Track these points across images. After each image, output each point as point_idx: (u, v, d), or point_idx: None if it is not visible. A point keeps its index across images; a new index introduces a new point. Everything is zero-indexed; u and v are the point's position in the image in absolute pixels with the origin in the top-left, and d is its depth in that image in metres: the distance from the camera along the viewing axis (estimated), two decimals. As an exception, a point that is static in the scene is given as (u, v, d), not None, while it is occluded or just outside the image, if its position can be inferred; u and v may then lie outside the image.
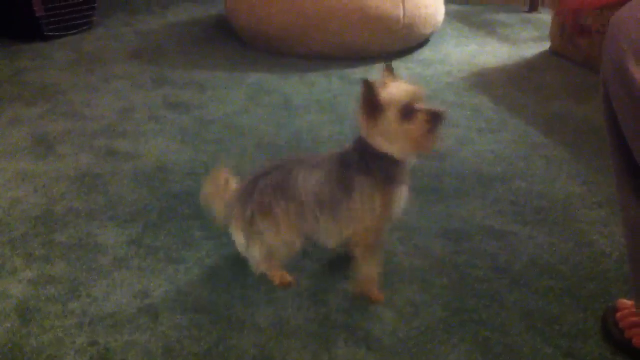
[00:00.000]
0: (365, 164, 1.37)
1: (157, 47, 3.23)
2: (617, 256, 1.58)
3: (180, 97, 2.59)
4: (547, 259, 1.59)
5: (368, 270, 1.45)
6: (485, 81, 2.74)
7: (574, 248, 1.62)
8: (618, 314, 1.32)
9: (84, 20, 3.45)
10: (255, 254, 1.47)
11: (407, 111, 1.30)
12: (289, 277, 1.52)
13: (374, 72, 2.82)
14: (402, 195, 1.41)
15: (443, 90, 2.64)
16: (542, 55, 3.02)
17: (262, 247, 1.46)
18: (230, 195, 1.49)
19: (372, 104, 1.31)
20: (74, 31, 3.39)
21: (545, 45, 3.08)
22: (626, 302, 1.34)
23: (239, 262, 1.57)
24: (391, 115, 1.30)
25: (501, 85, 2.69)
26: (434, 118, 1.31)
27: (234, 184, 1.52)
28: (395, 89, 1.33)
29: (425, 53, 3.10)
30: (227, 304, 1.44)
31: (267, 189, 1.41)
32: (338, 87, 2.68)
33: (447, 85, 2.69)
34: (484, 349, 1.31)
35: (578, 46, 2.83)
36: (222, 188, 1.51)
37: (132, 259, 1.60)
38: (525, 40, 3.26)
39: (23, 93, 2.64)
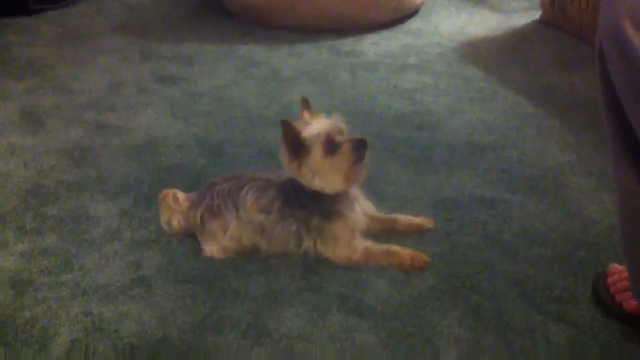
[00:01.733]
0: (301, 200, 1.43)
1: (145, 20, 3.20)
2: (607, 224, 1.59)
3: (169, 70, 2.57)
4: (538, 227, 1.60)
5: (395, 263, 1.47)
6: (476, 51, 2.73)
7: (564, 216, 1.63)
8: (609, 279, 1.34)
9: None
10: (211, 250, 1.50)
11: (331, 145, 1.35)
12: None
13: (364, 44, 2.81)
14: (357, 214, 1.47)
15: (434, 61, 2.63)
16: (533, 25, 3.01)
17: (215, 244, 1.50)
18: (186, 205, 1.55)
19: (295, 144, 1.36)
20: (59, 5, 3.34)
21: (536, 15, 3.07)
22: (617, 267, 1.35)
23: (231, 233, 1.57)
24: (316, 152, 1.35)
25: (492, 55, 2.69)
26: (358, 146, 1.37)
27: (183, 197, 1.57)
28: (316, 125, 1.38)
29: (415, 24, 3.08)
30: (220, 274, 1.45)
31: (218, 195, 1.48)
32: (328, 58, 2.67)
33: (438, 56, 2.68)
34: (476, 315, 1.33)
35: (569, 16, 2.82)
36: (172, 204, 1.56)
37: (124, 230, 1.60)
38: (516, 10, 3.24)
39: (10, 68, 2.61)
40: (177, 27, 3.08)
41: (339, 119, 1.42)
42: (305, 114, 1.43)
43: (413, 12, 3.17)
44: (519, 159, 1.89)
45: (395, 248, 1.47)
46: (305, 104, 1.45)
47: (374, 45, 2.80)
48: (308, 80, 2.46)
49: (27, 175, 1.84)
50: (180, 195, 1.57)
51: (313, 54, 2.71)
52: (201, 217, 1.50)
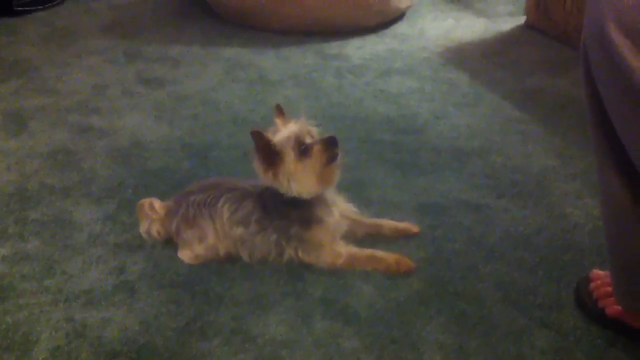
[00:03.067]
0: (279, 208, 1.43)
1: (131, 21, 3.18)
2: (591, 228, 1.60)
3: (155, 73, 2.56)
4: (522, 231, 1.60)
5: (380, 268, 1.47)
6: (462, 56, 2.74)
7: (548, 220, 1.64)
8: (592, 285, 1.34)
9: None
10: (186, 255, 1.50)
11: (302, 148, 1.35)
12: None
13: (350, 47, 2.81)
14: (335, 218, 1.47)
15: (419, 65, 2.64)
16: (518, 29, 3.03)
17: (190, 252, 1.49)
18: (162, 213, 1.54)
19: (267, 151, 1.35)
20: (45, 5, 3.31)
21: (521, 19, 3.08)
22: (599, 273, 1.36)
23: (216, 238, 1.57)
24: (288, 156, 1.35)
25: (477, 59, 2.70)
26: (329, 145, 1.37)
27: (159, 206, 1.55)
28: (285, 130, 1.38)
29: (401, 28, 3.09)
30: (204, 280, 1.44)
31: (194, 205, 1.47)
32: (313, 62, 2.66)
33: (424, 60, 2.69)
34: (460, 320, 1.33)
35: (553, 19, 2.84)
36: (149, 212, 1.54)
37: (108, 235, 1.59)
38: (501, 15, 3.25)
39: (-6, 69, 2.59)
40: (163, 28, 3.07)
41: (306, 121, 1.42)
42: (278, 121, 1.43)
43: (399, 16, 3.17)
44: (503, 163, 1.90)
45: (380, 253, 1.47)
46: (279, 111, 1.44)
47: (360, 49, 2.80)
48: (294, 84, 2.45)
49: (10, 178, 1.82)
50: (157, 203, 1.55)
51: (299, 57, 2.70)
52: (177, 226, 1.49)
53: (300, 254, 1.45)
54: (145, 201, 1.56)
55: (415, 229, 1.58)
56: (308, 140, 1.38)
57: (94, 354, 1.25)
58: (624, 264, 1.19)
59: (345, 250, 1.47)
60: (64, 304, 1.37)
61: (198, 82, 2.48)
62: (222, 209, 1.46)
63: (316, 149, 1.36)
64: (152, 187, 1.77)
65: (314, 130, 1.42)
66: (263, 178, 1.40)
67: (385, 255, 1.47)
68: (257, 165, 1.40)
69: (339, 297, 1.39)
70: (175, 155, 1.95)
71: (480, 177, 1.83)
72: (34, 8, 3.26)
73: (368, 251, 1.48)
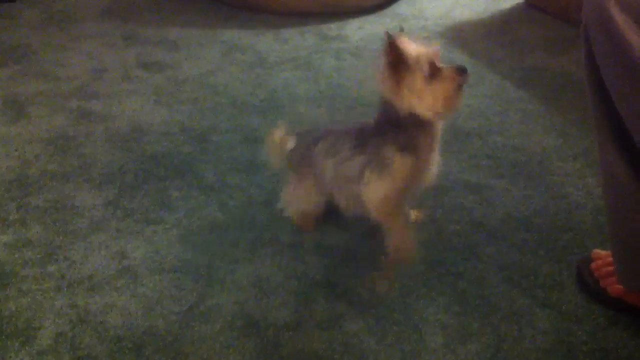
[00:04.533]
0: (383, 128, 1.35)
1: (129, 4, 3.16)
2: (592, 207, 1.60)
3: (154, 56, 2.55)
4: (523, 211, 1.60)
5: (397, 237, 1.43)
6: (461, 35, 2.72)
7: (549, 200, 1.64)
8: (593, 264, 1.35)
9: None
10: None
11: (433, 68, 1.28)
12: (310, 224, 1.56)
13: (349, 28, 2.79)
14: (428, 162, 1.38)
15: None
16: (518, 8, 3.00)
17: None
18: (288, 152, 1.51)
19: (396, 60, 1.27)
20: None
21: (522, -2, 3.06)
22: (601, 253, 1.36)
23: (217, 222, 1.57)
24: (419, 73, 1.27)
25: (477, 39, 2.68)
26: (461, 72, 1.30)
27: (289, 142, 1.51)
28: (417, 47, 1.30)
29: (400, 8, 3.06)
30: (206, 264, 1.44)
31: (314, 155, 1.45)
32: (313, 43, 2.65)
33: (424, 41, 2.66)
34: (462, 301, 1.33)
35: (554, -2, 2.82)
36: (278, 146, 1.52)
37: (109, 221, 1.59)
38: (502, -7, 3.23)
39: (-8, 54, 2.58)
40: (161, 11, 3.04)
41: (439, 48, 1.34)
42: (403, 39, 1.31)
43: (398, -4, 3.15)
44: (504, 144, 1.89)
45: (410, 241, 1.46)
46: (401, 31, 1.35)
47: (360, 30, 2.78)
48: (293, 66, 2.44)
49: (10, 165, 1.82)
50: (287, 139, 1.53)
51: (298, 39, 2.69)
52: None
53: (374, 178, 1.37)
54: (277, 133, 1.54)
55: (420, 215, 1.59)
56: (438, 64, 1.31)
57: (98, 339, 1.25)
58: (625, 242, 1.19)
59: (396, 204, 1.41)
60: (67, 290, 1.37)
61: (197, 66, 2.46)
62: (319, 149, 1.44)
63: (448, 72, 1.29)
64: (151, 172, 1.77)
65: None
66: (382, 84, 1.31)
67: (410, 241, 1.46)
68: (380, 71, 1.31)
69: (341, 280, 1.39)
70: (175, 140, 1.95)
71: (481, 157, 1.83)
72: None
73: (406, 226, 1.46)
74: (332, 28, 2.80)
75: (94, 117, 2.09)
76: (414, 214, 1.59)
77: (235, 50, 2.59)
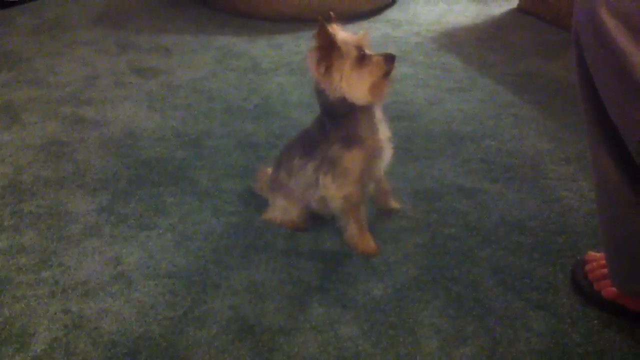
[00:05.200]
0: (325, 127, 1.40)
1: (121, 11, 3.16)
2: (585, 211, 1.61)
3: (147, 62, 2.55)
4: (517, 215, 1.61)
5: (351, 229, 1.49)
6: (454, 41, 2.73)
7: (542, 204, 1.65)
8: (587, 267, 1.35)
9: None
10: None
11: (362, 55, 1.31)
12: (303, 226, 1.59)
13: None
14: (377, 146, 1.42)
15: (412, 50, 2.63)
16: (511, 13, 3.02)
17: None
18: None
19: (327, 44, 1.30)
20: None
21: (514, 3, 3.07)
22: (595, 255, 1.37)
23: (211, 227, 1.57)
24: (348, 57, 1.30)
25: (470, 44, 2.69)
26: (389, 59, 1.33)
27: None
28: (346, 34, 1.34)
29: (393, 13, 3.08)
30: (200, 269, 1.44)
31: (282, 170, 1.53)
32: (306, 49, 2.64)
33: (417, 46, 2.68)
34: (457, 304, 1.33)
35: (546, 2, 2.83)
36: (264, 182, 1.65)
37: (103, 226, 1.59)
38: (494, -1, 3.25)
39: (-16, 61, 2.57)
40: (154, 17, 3.05)
41: (367, 34, 1.38)
42: (335, 25, 1.36)
43: (392, 1, 3.16)
44: (497, 148, 1.90)
45: (367, 233, 1.50)
46: (332, 18, 1.38)
47: (353, 35, 2.79)
48: (287, 71, 2.45)
49: (4, 171, 1.81)
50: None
51: (292, 45, 2.69)
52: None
53: (328, 181, 1.42)
54: (263, 172, 1.67)
55: (397, 205, 1.63)
56: (367, 50, 1.34)
57: (92, 345, 1.25)
58: (619, 245, 1.20)
59: (357, 198, 1.45)
60: (61, 296, 1.37)
61: (190, 71, 2.47)
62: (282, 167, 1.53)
63: (376, 59, 1.33)
64: (145, 178, 1.77)
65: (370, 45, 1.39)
66: (314, 70, 1.34)
67: (367, 236, 1.50)
68: (311, 56, 1.34)
69: (336, 284, 1.39)
70: (168, 145, 1.95)
71: (474, 161, 1.84)
72: (21, 1, 3.22)
73: (364, 218, 1.50)
74: (326, 34, 2.80)
75: (88, 123, 2.08)
76: (393, 204, 1.63)
77: (229, 56, 2.60)
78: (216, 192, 1.71)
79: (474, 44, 2.70)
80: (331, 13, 1.39)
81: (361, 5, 2.97)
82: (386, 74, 1.34)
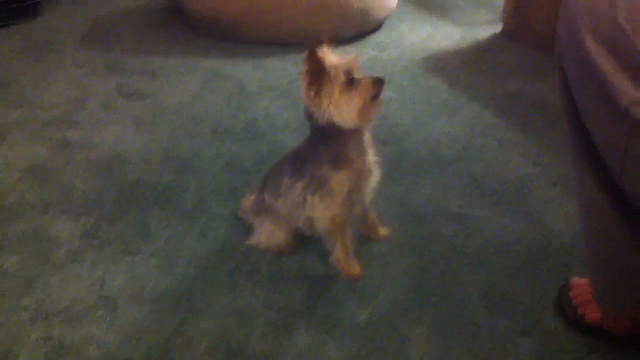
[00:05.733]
0: (316, 147, 1.40)
1: (108, 33, 3.16)
2: (570, 234, 1.61)
3: (134, 85, 2.55)
4: (503, 238, 1.61)
5: (337, 252, 1.49)
6: (440, 64, 2.75)
7: (527, 228, 1.65)
8: (571, 292, 1.35)
9: (31, 8, 3.34)
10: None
11: (350, 78, 1.33)
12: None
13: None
14: (365, 169, 1.42)
15: (398, 74, 2.64)
16: (495, 37, 3.04)
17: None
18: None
19: (316, 69, 1.32)
20: (21, 19, 3.28)
21: (498, 28, 3.10)
22: (579, 280, 1.37)
23: (196, 251, 1.56)
24: (336, 82, 1.32)
25: (455, 67, 2.71)
26: (377, 83, 1.35)
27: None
28: (336, 58, 1.35)
29: (380, 37, 3.09)
30: (185, 294, 1.43)
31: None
32: (293, 72, 2.66)
33: (403, 69, 2.70)
34: (444, 328, 1.33)
35: (530, 26, 2.86)
36: (249, 209, 1.64)
37: (87, 251, 1.57)
38: (479, 23, 3.26)
39: (-30, 83, 2.56)
40: (142, 40, 3.05)
41: (358, 57, 1.39)
42: (324, 49, 1.38)
43: (377, 26, 3.18)
44: (483, 171, 1.91)
45: (351, 257, 1.50)
46: (324, 41, 1.40)
47: (340, 59, 2.80)
48: (273, 95, 2.45)
49: (-13, 194, 1.80)
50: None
51: (278, 68, 2.70)
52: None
53: (316, 201, 1.43)
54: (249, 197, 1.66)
55: (386, 233, 1.63)
56: (357, 74, 1.36)
57: (74, 372, 1.23)
58: (603, 262, 1.20)
59: (343, 219, 1.46)
60: (43, 322, 1.35)
61: (177, 94, 2.47)
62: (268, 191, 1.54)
63: (364, 82, 1.34)
64: (131, 200, 1.76)
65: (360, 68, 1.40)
66: (304, 95, 1.35)
67: (351, 261, 1.50)
68: (301, 80, 1.35)
69: (321, 309, 1.39)
70: (155, 168, 1.94)
71: (460, 185, 1.84)
72: (11, 23, 3.22)
73: (349, 244, 1.50)
74: (312, 57, 2.81)
75: (74, 146, 2.08)
76: (381, 231, 1.62)
77: (216, 78, 2.60)
78: (202, 215, 1.70)
79: (460, 67, 2.71)
80: (321, 37, 1.40)
81: (348, 30, 2.98)
82: (374, 97, 1.35)
